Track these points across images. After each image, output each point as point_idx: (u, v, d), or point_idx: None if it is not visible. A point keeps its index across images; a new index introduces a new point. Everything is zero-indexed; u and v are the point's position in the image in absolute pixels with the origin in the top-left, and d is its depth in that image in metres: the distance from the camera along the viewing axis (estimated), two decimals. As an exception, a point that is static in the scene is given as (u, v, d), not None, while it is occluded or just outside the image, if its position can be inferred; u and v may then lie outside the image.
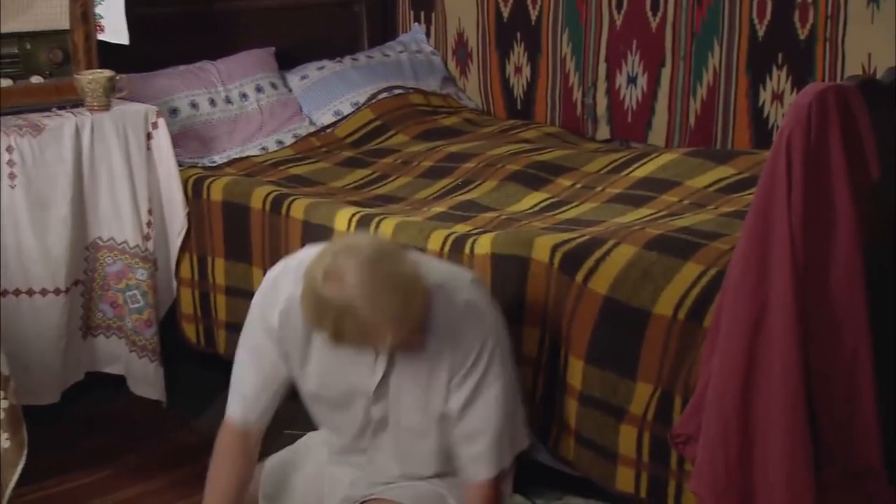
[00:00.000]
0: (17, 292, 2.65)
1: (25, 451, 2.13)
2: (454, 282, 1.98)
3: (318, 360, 2.01)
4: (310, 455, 2.17)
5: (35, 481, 2.47)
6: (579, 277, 2.28)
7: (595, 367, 2.24)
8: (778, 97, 3.03)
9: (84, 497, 2.57)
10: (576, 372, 2.27)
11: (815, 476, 1.85)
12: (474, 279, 2.05)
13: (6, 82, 2.74)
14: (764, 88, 3.05)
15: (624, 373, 2.20)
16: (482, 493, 1.99)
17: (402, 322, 1.84)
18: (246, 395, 2.02)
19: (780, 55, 3.02)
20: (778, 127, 2.82)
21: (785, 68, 3.01)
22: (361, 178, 3.05)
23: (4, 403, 2.09)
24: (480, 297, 1.99)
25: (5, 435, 2.08)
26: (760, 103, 3.06)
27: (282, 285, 1.98)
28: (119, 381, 2.88)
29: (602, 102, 3.42)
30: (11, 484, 2.11)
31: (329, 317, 1.82)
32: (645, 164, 2.83)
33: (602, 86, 3.40)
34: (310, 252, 1.95)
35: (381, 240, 2.07)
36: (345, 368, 2.00)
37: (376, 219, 2.61)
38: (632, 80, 3.34)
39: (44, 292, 2.66)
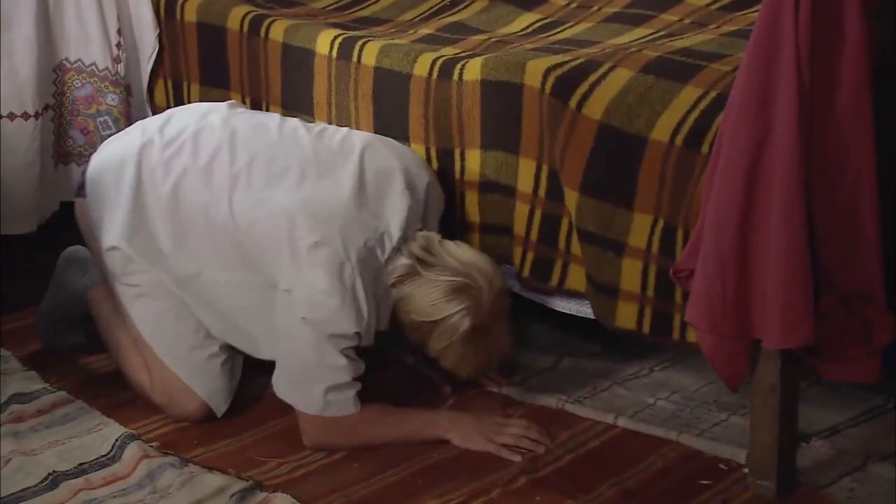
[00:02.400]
0: (-17, 116, 2.59)
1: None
2: None
3: None
4: None
5: (10, 311, 2.49)
6: (573, 103, 2.20)
7: (589, 198, 2.17)
8: None
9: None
10: (571, 203, 2.21)
11: (813, 304, 1.82)
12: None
13: None
14: None
15: (620, 203, 2.14)
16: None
17: None
18: None
19: None
20: None
21: None
22: (344, -2, 2.92)
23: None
24: None
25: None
26: (768, -83, 2.90)
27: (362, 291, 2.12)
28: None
29: (600, -84, 3.25)
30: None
31: None
32: (644, -20, 2.71)
33: None
34: None
35: None
36: None
37: (360, 42, 2.50)
38: None
39: (11, 116, 2.60)
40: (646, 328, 2.15)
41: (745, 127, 1.83)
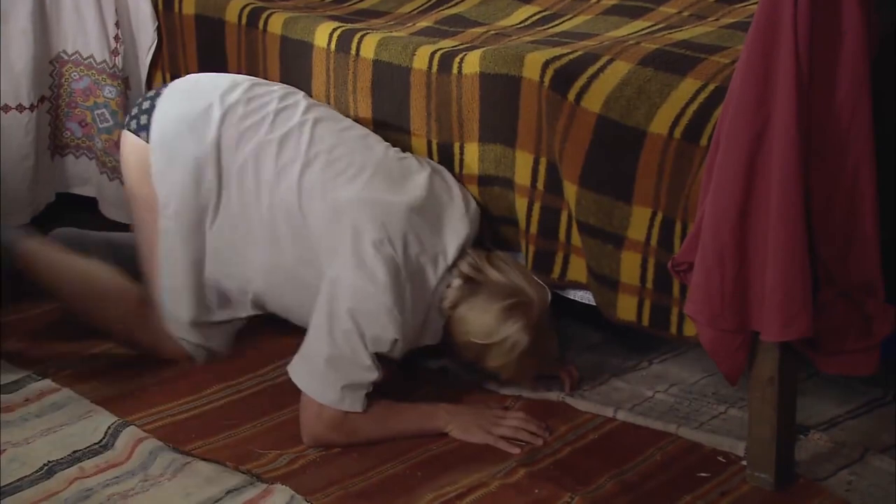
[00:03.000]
0: (-22, 108, 2.60)
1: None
2: None
3: None
4: None
5: (7, 303, 2.46)
6: (571, 96, 2.19)
7: (588, 191, 2.17)
8: None
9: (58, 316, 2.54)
10: (571, 196, 2.21)
11: (811, 297, 1.82)
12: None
13: None
14: None
15: (619, 196, 2.14)
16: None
17: None
18: None
19: None
20: None
21: None
22: (342, -9, 2.91)
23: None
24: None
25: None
26: None
27: (411, 298, 2.15)
28: (92, 204, 2.83)
29: None
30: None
31: None
32: (643, -27, 2.70)
33: None
34: None
35: None
36: None
37: (358, 34, 2.49)
38: None
39: (6, 108, 2.60)
40: (645, 321, 2.15)
41: (744, 119, 1.82)
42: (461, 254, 2.22)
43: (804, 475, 2.03)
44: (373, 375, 2.12)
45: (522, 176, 2.30)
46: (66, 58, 2.69)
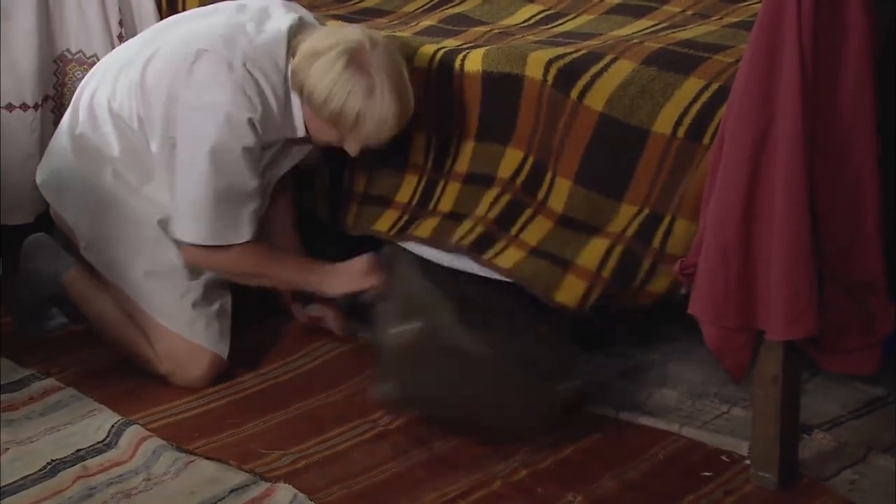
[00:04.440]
0: (-18, 107, 2.58)
1: (0, 271, 2.09)
2: None
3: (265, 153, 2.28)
4: None
5: (9, 301, 2.47)
6: (574, 94, 2.19)
7: (581, 188, 2.16)
8: None
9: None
10: (560, 194, 2.19)
11: (816, 295, 1.82)
12: None
13: None
14: None
15: (611, 194, 2.13)
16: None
17: None
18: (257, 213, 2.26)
19: None
20: None
21: None
22: (345, -11, 2.91)
23: (-26, 222, 2.02)
24: None
25: (-21, 253, 2.03)
26: None
27: (242, 91, 2.17)
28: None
29: None
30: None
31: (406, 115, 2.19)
32: (646, -29, 2.69)
33: None
34: (228, 45, 2.20)
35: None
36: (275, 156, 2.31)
37: (361, 32, 2.49)
38: None
39: (10, 108, 2.59)
40: (582, 305, 2.10)
41: (748, 118, 1.82)
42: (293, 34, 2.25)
43: (807, 474, 2.03)
44: (247, 198, 2.21)
45: (505, 170, 2.28)
46: (69, 57, 2.68)
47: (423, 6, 2.75)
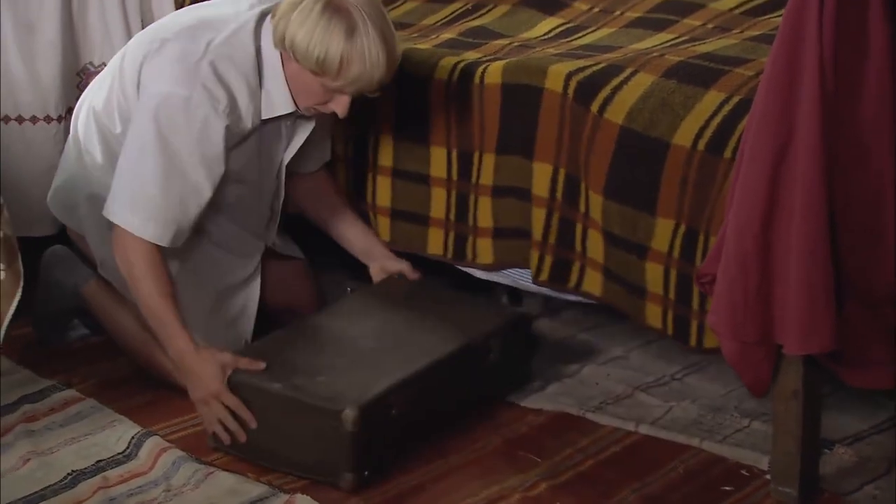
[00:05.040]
0: (6, 119, 2.58)
1: (22, 283, 2.09)
2: None
3: (247, 142, 2.22)
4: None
5: (30, 313, 2.45)
6: (595, 107, 2.19)
7: (613, 202, 2.17)
8: (812, -86, 2.85)
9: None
10: (596, 207, 2.21)
11: (835, 309, 1.80)
12: None
13: None
14: None
15: (643, 207, 2.13)
16: None
17: None
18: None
19: None
20: None
21: None
22: (366, 3, 2.91)
23: (-1, 234, 2.03)
24: None
25: (2, 265, 2.03)
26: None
27: (214, 76, 2.13)
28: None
29: (622, -79, 3.24)
30: (9, 314, 2.07)
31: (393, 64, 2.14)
32: (666, -15, 2.69)
33: None
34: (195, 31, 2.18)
35: None
36: (260, 143, 2.26)
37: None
38: None
39: (34, 120, 2.60)
40: (669, 330, 2.14)
41: (768, 130, 1.81)
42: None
43: (829, 489, 2.02)
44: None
45: (540, 187, 2.30)
46: (92, 69, 2.68)
47: (443, 19, 2.76)
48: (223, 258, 2.38)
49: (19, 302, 2.08)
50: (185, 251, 2.28)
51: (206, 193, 2.18)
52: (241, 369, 2.09)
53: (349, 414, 1.97)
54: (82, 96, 2.43)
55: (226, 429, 2.09)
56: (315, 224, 2.51)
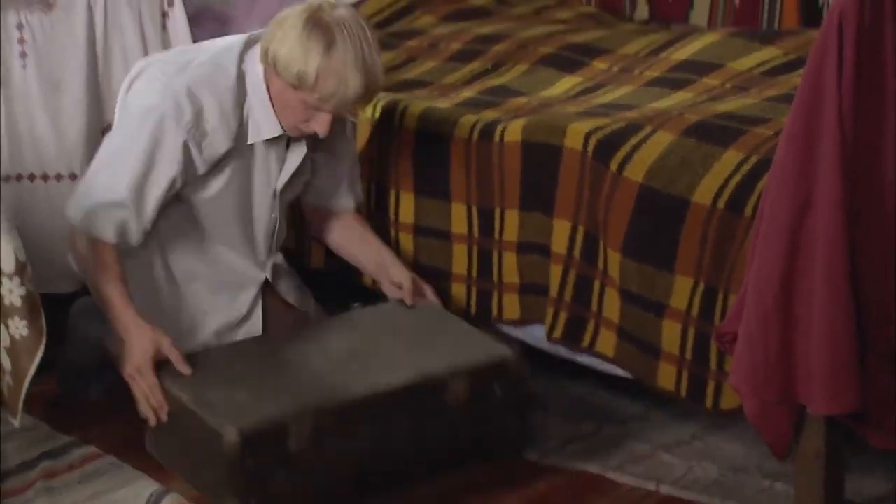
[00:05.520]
0: (31, 177, 2.61)
1: (44, 340, 2.11)
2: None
3: (228, 165, 2.24)
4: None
5: (53, 368, 2.44)
6: (614, 165, 2.21)
7: (631, 260, 2.17)
8: (830, -27, 2.89)
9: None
10: (614, 265, 2.21)
11: (858, 368, 1.79)
12: None
13: (16, -45, 2.65)
14: (815, -37, 2.91)
15: (661, 265, 2.13)
16: None
17: None
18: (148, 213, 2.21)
19: (833, -72, 2.86)
20: (828, 5, 2.72)
21: (839, -57, 2.86)
22: (386, 62, 2.93)
23: (22, 290, 2.05)
24: None
25: (24, 322, 2.05)
26: (811, -21, 2.92)
27: (185, 91, 2.17)
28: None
29: (641, -20, 3.28)
30: (30, 372, 2.09)
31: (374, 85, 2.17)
32: (685, 45, 2.72)
33: (642, -38, 3.26)
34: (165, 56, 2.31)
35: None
36: (251, 170, 2.28)
37: (402, 103, 2.53)
38: (674, -44, 3.19)
39: (58, 177, 2.62)
40: (683, 391, 2.13)
41: (788, 188, 1.82)
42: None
43: (852, 553, 1.99)
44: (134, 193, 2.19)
45: (559, 244, 2.31)
46: (116, 127, 2.73)
47: (463, 78, 2.78)
48: (219, 291, 2.35)
49: (41, 358, 2.12)
50: (176, 290, 2.30)
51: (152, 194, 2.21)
52: (171, 362, 2.10)
53: (228, 436, 1.89)
54: None
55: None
56: (331, 248, 2.51)
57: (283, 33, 2.15)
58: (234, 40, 2.28)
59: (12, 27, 2.52)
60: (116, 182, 2.19)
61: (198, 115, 2.18)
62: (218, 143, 2.21)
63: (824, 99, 1.77)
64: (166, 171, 2.19)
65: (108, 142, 2.28)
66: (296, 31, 2.14)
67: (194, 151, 2.19)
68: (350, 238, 2.46)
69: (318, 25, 2.13)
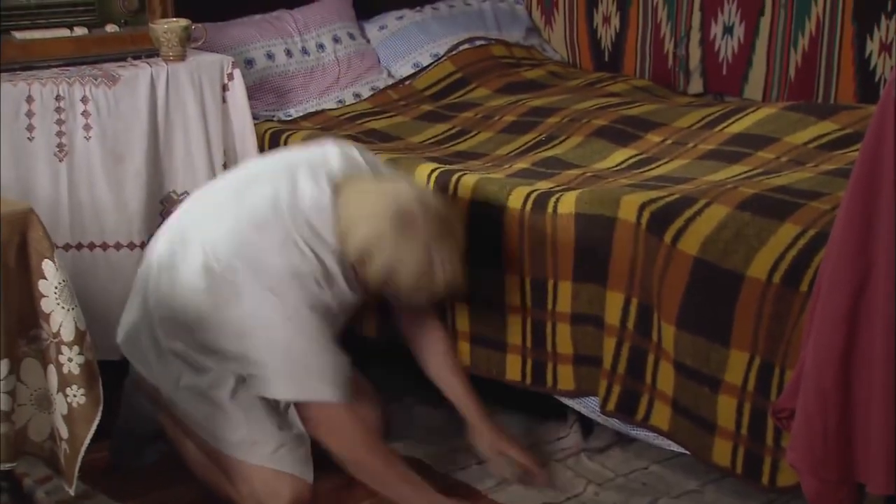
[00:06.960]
0: (91, 246, 2.65)
1: (101, 408, 2.12)
2: None
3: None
4: None
5: (108, 436, 2.46)
6: (668, 238, 2.20)
7: (686, 333, 2.16)
8: (886, 48, 2.88)
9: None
10: (668, 337, 2.19)
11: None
12: None
13: (81, 31, 2.72)
14: (871, 38, 2.90)
15: (716, 339, 2.12)
16: None
17: None
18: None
19: (889, 2, 2.85)
20: (885, 80, 2.72)
21: (895, 17, 2.85)
22: (441, 133, 2.98)
23: (80, 359, 2.07)
24: None
25: (81, 391, 2.06)
26: (867, 54, 2.91)
27: (301, 253, 2.19)
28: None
29: (695, 54, 3.29)
30: (87, 440, 2.10)
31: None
32: (740, 119, 2.72)
33: (696, 36, 3.28)
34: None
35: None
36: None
37: (456, 174, 2.55)
38: (728, 30, 3.21)
39: (118, 246, 2.66)
40: (739, 468, 2.10)
41: (846, 265, 1.79)
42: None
43: None
44: (331, 347, 2.21)
45: (612, 316, 2.30)
46: (175, 198, 2.75)
47: (516, 149, 2.80)
48: None
49: (98, 425, 2.13)
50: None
51: (331, 345, 2.23)
52: None
53: None
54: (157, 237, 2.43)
55: None
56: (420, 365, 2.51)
57: (369, 236, 2.18)
58: (320, 198, 2.24)
59: (77, 100, 2.59)
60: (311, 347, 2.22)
61: (322, 266, 2.23)
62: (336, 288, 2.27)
63: (882, 175, 1.75)
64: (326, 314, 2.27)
65: (258, 312, 2.22)
66: (385, 240, 2.17)
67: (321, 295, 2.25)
68: (440, 365, 2.47)
69: (409, 236, 2.17)
